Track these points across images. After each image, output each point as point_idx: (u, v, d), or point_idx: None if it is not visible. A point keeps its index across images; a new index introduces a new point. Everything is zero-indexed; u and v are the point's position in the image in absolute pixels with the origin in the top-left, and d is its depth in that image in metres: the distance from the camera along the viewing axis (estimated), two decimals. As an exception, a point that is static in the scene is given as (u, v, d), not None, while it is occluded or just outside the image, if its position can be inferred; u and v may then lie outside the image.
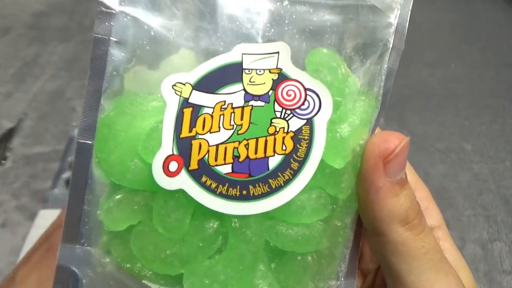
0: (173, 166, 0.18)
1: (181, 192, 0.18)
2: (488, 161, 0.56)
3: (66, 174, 0.50)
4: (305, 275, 0.19)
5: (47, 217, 0.44)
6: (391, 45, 0.21)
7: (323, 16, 0.21)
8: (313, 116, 0.18)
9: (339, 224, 0.20)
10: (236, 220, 0.18)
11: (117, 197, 0.19)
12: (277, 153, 0.18)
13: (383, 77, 0.21)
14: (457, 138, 0.59)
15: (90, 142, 0.19)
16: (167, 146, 0.18)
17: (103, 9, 0.18)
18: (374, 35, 0.21)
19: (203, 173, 0.18)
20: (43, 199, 0.47)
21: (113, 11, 0.18)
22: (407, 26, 0.21)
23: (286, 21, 0.21)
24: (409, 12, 0.21)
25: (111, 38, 0.19)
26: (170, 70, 0.19)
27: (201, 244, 0.18)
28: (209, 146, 0.18)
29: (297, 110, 0.18)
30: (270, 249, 0.19)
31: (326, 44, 0.21)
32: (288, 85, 0.18)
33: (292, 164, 0.18)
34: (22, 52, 0.68)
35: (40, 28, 0.74)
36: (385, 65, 0.21)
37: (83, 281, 0.19)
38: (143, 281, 0.19)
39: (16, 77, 0.63)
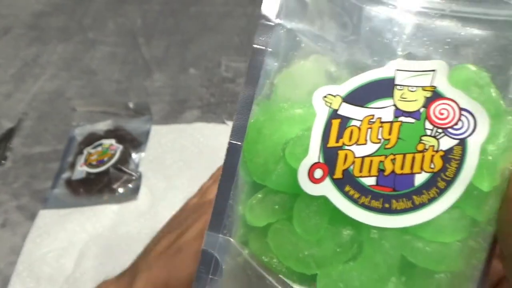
0: (318, 173, 0.19)
1: (323, 198, 0.19)
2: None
3: (66, 174, 0.50)
4: (437, 293, 0.19)
5: (47, 217, 0.45)
6: None
7: (471, 31, 0.21)
8: (466, 137, 0.18)
9: (475, 246, 0.20)
10: (375, 231, 0.18)
11: (259, 195, 0.21)
12: (424, 171, 0.18)
13: None
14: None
15: (240, 143, 0.20)
16: (314, 154, 0.19)
17: (264, 21, 0.20)
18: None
19: (347, 183, 0.18)
20: (43, 199, 0.47)
21: (272, 24, 0.20)
22: None
23: (429, 35, 0.21)
24: None
25: (267, 48, 0.20)
26: (313, 79, 0.20)
27: (337, 249, 0.19)
28: (354, 157, 0.18)
29: (450, 130, 0.18)
30: (401, 263, 0.19)
31: (472, 60, 0.20)
32: (442, 103, 0.18)
33: (439, 183, 0.18)
34: (22, 52, 0.68)
35: (40, 28, 0.74)
36: None
37: (223, 267, 0.21)
38: (279, 275, 0.20)
39: (16, 77, 0.64)
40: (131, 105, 0.59)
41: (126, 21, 0.78)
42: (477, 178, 0.18)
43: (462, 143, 0.18)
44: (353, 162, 0.18)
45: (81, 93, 0.63)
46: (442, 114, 0.18)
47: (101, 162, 0.51)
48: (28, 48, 0.70)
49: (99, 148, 0.53)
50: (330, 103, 0.19)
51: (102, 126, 0.57)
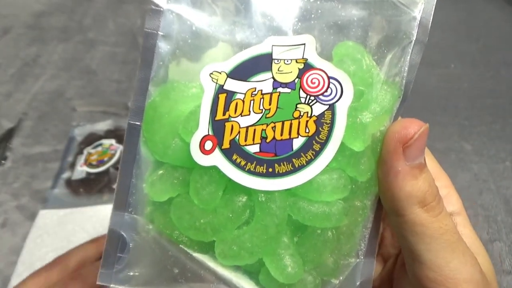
0: (208, 145, 0.20)
1: (214, 168, 0.20)
2: (488, 161, 0.56)
3: (66, 174, 0.50)
4: (324, 249, 0.21)
5: (47, 217, 0.45)
6: (414, 38, 0.22)
7: (350, 11, 0.23)
8: (335, 102, 0.20)
9: (358, 204, 0.21)
10: (262, 194, 0.20)
11: (160, 172, 0.22)
12: (300, 135, 0.20)
13: (406, 68, 0.22)
14: (457, 138, 0.59)
15: (139, 123, 0.21)
16: (204, 127, 0.20)
17: (153, 7, 0.21)
18: (397, 29, 0.22)
19: (234, 151, 0.20)
20: (43, 199, 0.47)
21: (161, 9, 0.21)
22: (431, 20, 0.22)
23: (314, 16, 0.23)
24: (434, 6, 0.22)
25: (158, 32, 0.21)
26: (209, 61, 0.21)
27: (231, 215, 0.20)
28: (240, 127, 0.20)
29: (320, 97, 0.20)
30: (293, 224, 0.21)
31: (352, 37, 0.22)
32: (313, 73, 0.20)
33: (314, 145, 0.19)
34: (22, 52, 0.67)
35: (40, 28, 0.73)
36: (408, 57, 0.22)
37: (130, 244, 0.22)
38: (180, 246, 0.21)
39: (16, 77, 0.63)
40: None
41: (126, 21, 0.77)
42: (348, 139, 0.20)
43: (332, 108, 0.20)
44: (239, 132, 0.20)
45: (81, 93, 0.62)
46: (313, 83, 0.20)
47: (101, 162, 0.51)
48: (28, 48, 0.70)
49: (99, 148, 0.53)
50: (217, 79, 0.20)
51: (102, 126, 0.56)
